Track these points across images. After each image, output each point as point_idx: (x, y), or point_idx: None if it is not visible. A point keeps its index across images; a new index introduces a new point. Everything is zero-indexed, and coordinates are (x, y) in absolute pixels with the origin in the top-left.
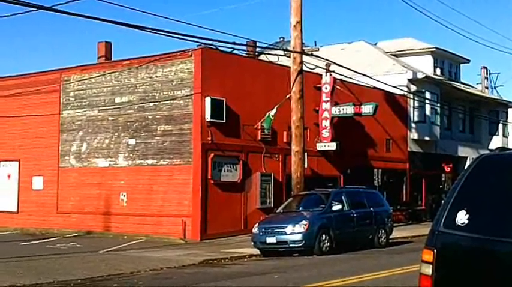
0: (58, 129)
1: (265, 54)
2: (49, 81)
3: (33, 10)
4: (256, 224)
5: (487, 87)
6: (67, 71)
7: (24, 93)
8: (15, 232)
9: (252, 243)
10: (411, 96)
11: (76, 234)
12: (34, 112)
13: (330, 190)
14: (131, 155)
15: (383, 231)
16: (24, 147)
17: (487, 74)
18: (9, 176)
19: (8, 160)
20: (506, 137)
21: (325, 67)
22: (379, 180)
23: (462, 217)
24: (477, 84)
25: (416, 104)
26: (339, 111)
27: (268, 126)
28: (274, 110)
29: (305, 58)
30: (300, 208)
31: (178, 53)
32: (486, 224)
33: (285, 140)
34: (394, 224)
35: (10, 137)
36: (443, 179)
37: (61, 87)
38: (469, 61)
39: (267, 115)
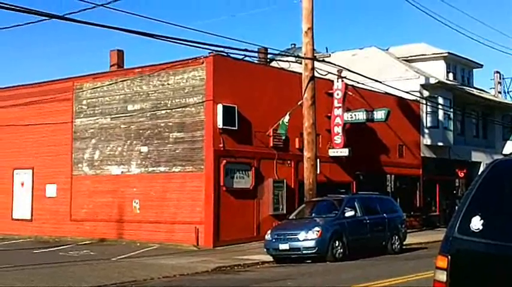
0: (71, 137)
1: (276, 61)
2: (62, 89)
3: (45, 19)
4: (269, 231)
5: (500, 92)
6: (79, 79)
7: (37, 102)
8: (29, 240)
9: (265, 250)
10: (424, 101)
11: (89, 242)
12: (47, 120)
13: (342, 196)
14: (144, 162)
15: (396, 237)
16: (37, 155)
17: (500, 78)
18: (22, 184)
19: (21, 168)
20: None
21: (336, 73)
22: (392, 186)
23: (477, 223)
24: (490, 89)
25: (429, 109)
26: (351, 117)
27: (285, 133)
28: (288, 116)
29: (317, 64)
30: (313, 215)
31: (190, 61)
32: (501, 230)
33: (297, 146)
34: (408, 230)
35: (23, 145)
36: (456, 184)
37: (74, 95)
38: (481, 66)
39: (281, 122)
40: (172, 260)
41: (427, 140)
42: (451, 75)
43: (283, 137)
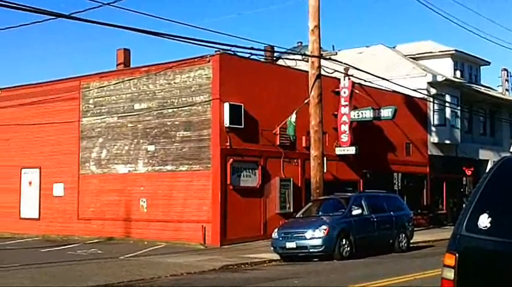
0: (78, 136)
1: (283, 59)
2: (69, 88)
3: (52, 18)
4: (276, 229)
5: (507, 90)
6: (86, 79)
7: (44, 101)
8: (36, 239)
9: (272, 248)
10: (431, 99)
11: (97, 240)
12: (54, 119)
13: (349, 194)
14: (151, 161)
15: (404, 235)
16: (44, 154)
17: (507, 76)
18: (30, 183)
19: (29, 167)
20: None
21: (343, 71)
22: (399, 184)
23: (484, 221)
24: (498, 86)
25: (436, 107)
26: (358, 116)
27: (293, 133)
28: (294, 115)
29: (323, 62)
30: (320, 213)
31: (196, 59)
32: (509, 228)
33: (303, 144)
34: (415, 229)
35: (31, 144)
36: (464, 182)
37: (80, 94)
38: (489, 63)
39: (288, 121)
40: (179, 258)
41: (434, 138)
42: (458, 73)
43: (293, 138)
